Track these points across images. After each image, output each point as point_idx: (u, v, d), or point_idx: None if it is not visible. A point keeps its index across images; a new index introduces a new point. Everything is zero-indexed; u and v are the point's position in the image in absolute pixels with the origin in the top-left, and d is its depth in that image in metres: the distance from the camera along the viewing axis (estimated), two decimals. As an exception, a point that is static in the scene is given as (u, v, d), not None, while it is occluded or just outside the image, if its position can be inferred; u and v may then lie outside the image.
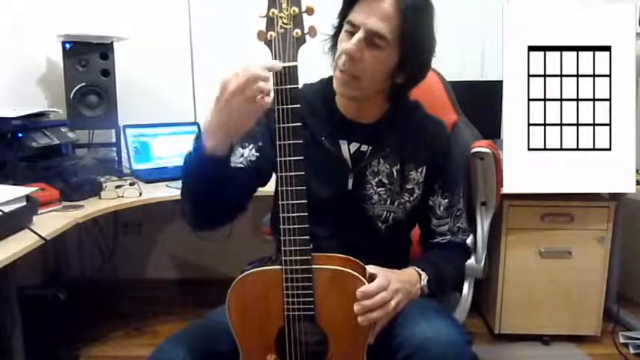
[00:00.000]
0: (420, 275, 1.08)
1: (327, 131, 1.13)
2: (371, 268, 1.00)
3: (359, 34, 1.01)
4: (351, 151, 1.15)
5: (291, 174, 0.93)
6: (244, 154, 1.11)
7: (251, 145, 1.12)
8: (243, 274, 0.99)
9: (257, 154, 1.12)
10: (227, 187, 0.99)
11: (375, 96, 1.12)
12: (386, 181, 1.15)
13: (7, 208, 1.36)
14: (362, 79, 1.05)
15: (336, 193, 1.13)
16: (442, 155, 1.18)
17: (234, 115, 0.90)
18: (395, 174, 1.15)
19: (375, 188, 1.15)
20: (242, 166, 1.10)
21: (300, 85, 0.94)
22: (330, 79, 1.16)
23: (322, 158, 1.12)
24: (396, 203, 1.15)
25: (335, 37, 1.10)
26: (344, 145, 1.15)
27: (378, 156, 1.14)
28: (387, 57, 1.04)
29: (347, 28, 1.04)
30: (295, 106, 0.92)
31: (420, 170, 1.16)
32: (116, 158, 2.38)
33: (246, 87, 0.87)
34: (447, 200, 1.19)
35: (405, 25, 1.01)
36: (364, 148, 1.15)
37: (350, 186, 1.14)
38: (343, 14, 1.06)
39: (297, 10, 0.90)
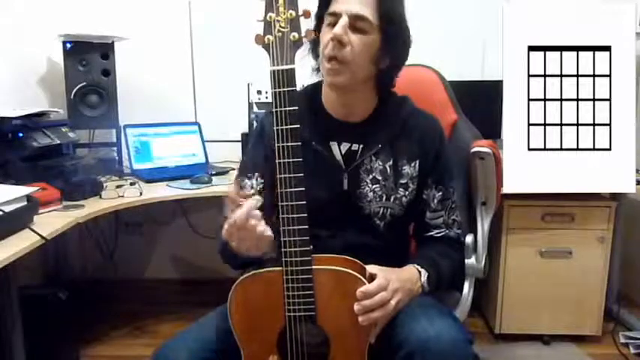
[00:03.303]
0: (419, 273, 1.08)
1: (317, 135, 1.14)
2: (371, 268, 1.00)
3: (343, 19, 1.04)
4: (343, 152, 1.16)
5: (290, 175, 0.94)
6: (253, 185, 1.16)
7: (256, 174, 1.17)
8: (244, 276, 0.99)
9: (262, 180, 1.15)
10: None
11: (364, 88, 1.14)
12: (380, 178, 1.15)
13: (7, 208, 1.36)
14: (351, 64, 1.06)
15: (332, 194, 1.14)
16: (434, 149, 1.18)
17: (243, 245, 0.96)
18: (388, 170, 1.15)
19: (370, 186, 1.15)
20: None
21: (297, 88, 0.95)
22: (316, 84, 1.19)
23: (315, 161, 1.12)
24: (391, 199, 1.16)
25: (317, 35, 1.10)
26: (335, 147, 1.16)
27: (370, 154, 1.15)
28: (372, 41, 1.07)
29: (329, 20, 1.07)
30: (293, 108, 0.93)
31: (412, 165, 1.17)
32: (117, 158, 2.39)
33: (245, 231, 0.92)
34: (440, 193, 1.19)
35: (383, 7, 1.05)
36: (355, 147, 1.16)
37: (345, 186, 1.15)
38: (321, 12, 1.09)
39: (293, 13, 0.91)
